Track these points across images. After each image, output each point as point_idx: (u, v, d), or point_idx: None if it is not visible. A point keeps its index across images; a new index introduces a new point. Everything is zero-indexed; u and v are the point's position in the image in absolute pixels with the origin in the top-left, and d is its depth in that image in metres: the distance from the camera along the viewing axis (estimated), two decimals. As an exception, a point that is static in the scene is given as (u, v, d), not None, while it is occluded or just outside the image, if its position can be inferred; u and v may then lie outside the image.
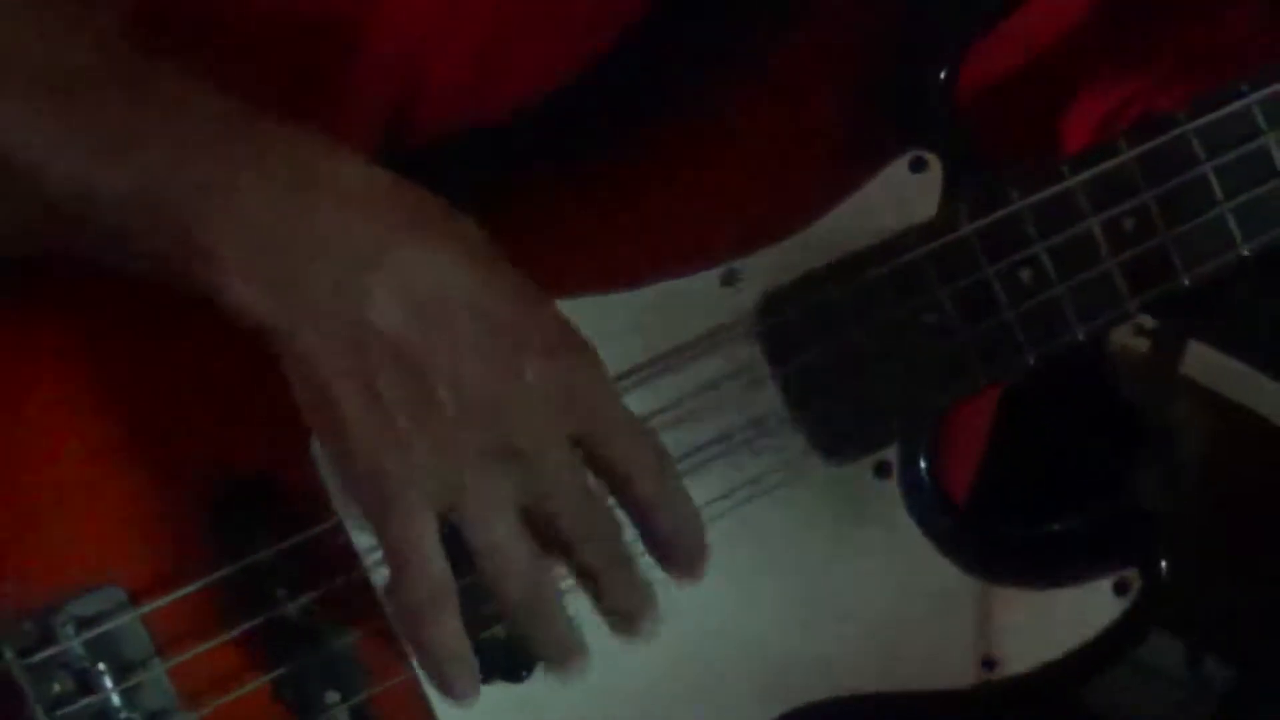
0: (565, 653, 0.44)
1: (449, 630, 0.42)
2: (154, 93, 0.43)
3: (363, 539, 0.47)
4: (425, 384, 0.40)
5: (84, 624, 0.46)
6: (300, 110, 0.44)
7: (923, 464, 0.49)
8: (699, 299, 0.49)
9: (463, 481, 0.41)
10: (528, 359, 0.41)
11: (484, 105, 0.51)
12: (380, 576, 0.47)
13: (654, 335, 0.48)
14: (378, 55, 0.51)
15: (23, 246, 0.45)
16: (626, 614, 0.44)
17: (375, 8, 0.51)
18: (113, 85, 0.43)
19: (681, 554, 0.44)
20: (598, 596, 0.44)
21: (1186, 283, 0.49)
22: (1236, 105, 0.48)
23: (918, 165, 0.49)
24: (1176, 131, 0.48)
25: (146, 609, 0.46)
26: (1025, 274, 0.48)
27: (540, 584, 0.43)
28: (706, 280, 0.49)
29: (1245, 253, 0.48)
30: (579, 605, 0.44)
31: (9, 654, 0.46)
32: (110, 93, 0.43)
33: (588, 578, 0.44)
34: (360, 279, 0.40)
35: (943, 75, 0.48)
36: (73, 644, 0.46)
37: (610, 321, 0.46)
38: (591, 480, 0.43)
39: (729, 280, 0.49)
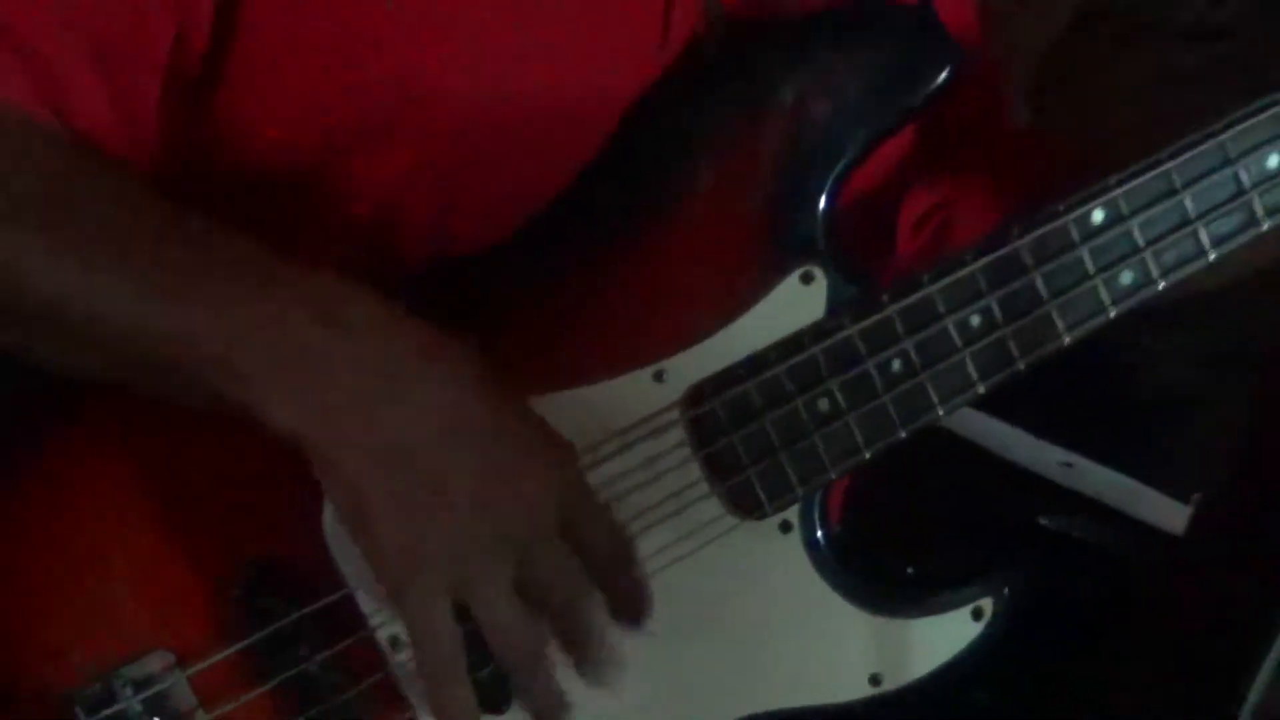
0: (552, 704, 0.53)
1: (458, 689, 0.51)
2: (193, 242, 0.52)
3: (369, 605, 0.57)
4: (441, 490, 0.49)
5: (140, 684, 0.55)
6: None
7: (817, 520, 0.61)
8: (635, 393, 0.60)
9: (470, 569, 0.49)
10: (523, 464, 0.50)
11: (451, 241, 0.62)
12: (385, 634, 0.58)
13: (599, 424, 0.59)
14: (359, 202, 0.61)
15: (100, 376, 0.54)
16: (595, 664, 0.53)
17: (351, 164, 0.61)
18: (156, 239, 0.52)
19: (632, 610, 0.55)
20: (573, 651, 0.53)
21: (1022, 367, 0.61)
22: (1056, 223, 0.60)
23: (807, 278, 0.60)
24: (1010, 246, 0.60)
25: (192, 670, 0.56)
26: (896, 365, 0.60)
27: (535, 649, 0.52)
28: (641, 377, 0.60)
29: (1067, 341, 0.61)
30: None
31: (80, 712, 0.56)
32: (158, 246, 0.52)
33: (567, 636, 0.53)
34: (385, 406, 0.49)
35: (822, 207, 0.60)
36: (131, 702, 0.55)
37: (563, 414, 0.56)
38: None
39: (659, 377, 0.60)
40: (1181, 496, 1.10)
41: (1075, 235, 0.60)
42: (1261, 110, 0.59)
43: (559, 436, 0.53)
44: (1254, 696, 0.70)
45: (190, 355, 0.50)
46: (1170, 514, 1.09)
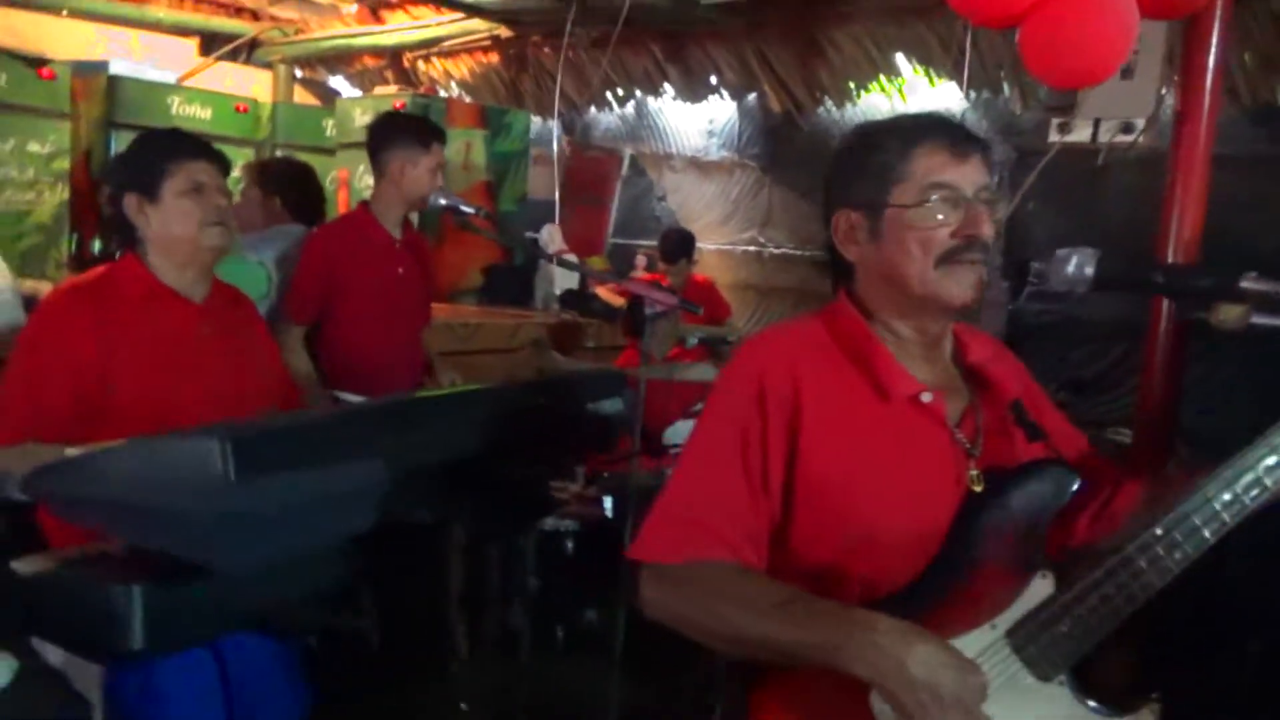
0: None
1: None
2: (813, 605, 1.42)
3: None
4: (931, 695, 1.33)
5: None
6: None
7: (1073, 678, 1.47)
8: (983, 634, 1.48)
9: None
10: (966, 680, 1.34)
11: (874, 597, 1.52)
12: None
13: (976, 648, 1.46)
14: (846, 586, 1.54)
15: (761, 658, 1.46)
16: None
17: (846, 570, 1.54)
18: (800, 604, 1.43)
19: None
20: None
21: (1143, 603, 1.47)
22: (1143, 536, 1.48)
23: (1044, 575, 1.49)
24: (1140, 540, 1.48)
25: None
26: (1089, 605, 1.47)
27: None
28: (986, 629, 1.48)
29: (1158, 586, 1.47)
30: None
31: None
32: (799, 606, 1.42)
33: None
34: (905, 662, 1.34)
35: (1041, 550, 1.50)
36: None
37: (959, 645, 1.44)
38: None
39: (993, 626, 1.48)
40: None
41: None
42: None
43: (968, 659, 1.40)
44: None
45: (816, 652, 1.39)
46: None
